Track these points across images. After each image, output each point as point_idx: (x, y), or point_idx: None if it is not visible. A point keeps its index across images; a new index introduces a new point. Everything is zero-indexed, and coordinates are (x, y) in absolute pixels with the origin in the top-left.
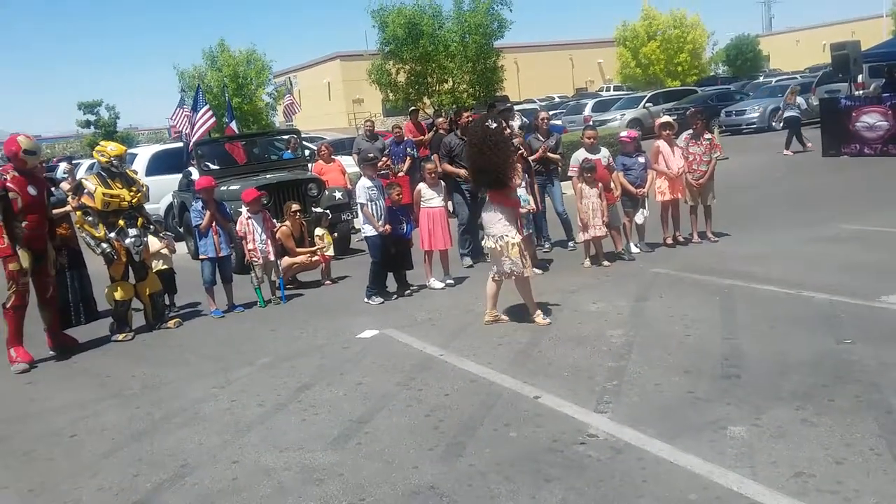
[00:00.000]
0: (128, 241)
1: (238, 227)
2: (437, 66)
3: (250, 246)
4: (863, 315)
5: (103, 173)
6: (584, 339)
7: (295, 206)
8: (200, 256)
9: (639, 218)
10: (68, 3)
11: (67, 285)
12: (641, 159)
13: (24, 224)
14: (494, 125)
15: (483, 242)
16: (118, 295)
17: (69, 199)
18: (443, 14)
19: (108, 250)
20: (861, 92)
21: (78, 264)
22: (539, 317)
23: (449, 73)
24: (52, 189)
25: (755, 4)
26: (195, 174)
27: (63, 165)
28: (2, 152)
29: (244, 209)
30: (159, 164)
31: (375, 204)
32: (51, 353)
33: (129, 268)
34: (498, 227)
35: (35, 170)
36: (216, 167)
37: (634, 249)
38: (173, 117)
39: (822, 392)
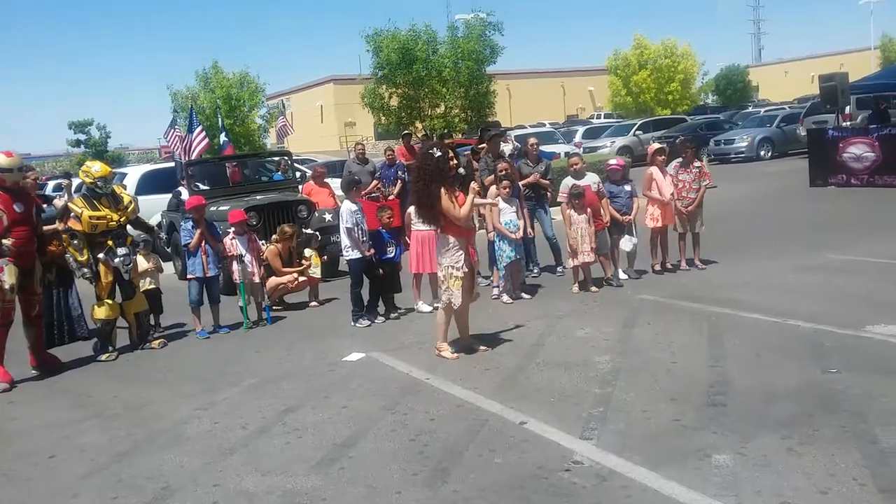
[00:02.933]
0: (116, 260)
1: (226, 248)
2: (430, 90)
3: (235, 266)
4: (848, 345)
5: (88, 194)
6: (571, 365)
7: (289, 230)
8: (188, 276)
9: (626, 245)
10: (61, 22)
11: (53, 303)
12: (628, 187)
13: (9, 242)
14: (439, 154)
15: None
16: (103, 314)
17: (57, 222)
18: (437, 40)
19: (89, 275)
20: (848, 123)
21: (66, 282)
22: (446, 351)
23: (441, 97)
24: (45, 206)
25: (745, 36)
26: (185, 194)
27: (52, 183)
28: None
29: (230, 230)
30: (149, 184)
31: (359, 228)
32: (33, 371)
33: (116, 286)
34: (446, 257)
35: (26, 187)
36: (206, 187)
37: (622, 276)
38: (167, 137)
39: (807, 421)
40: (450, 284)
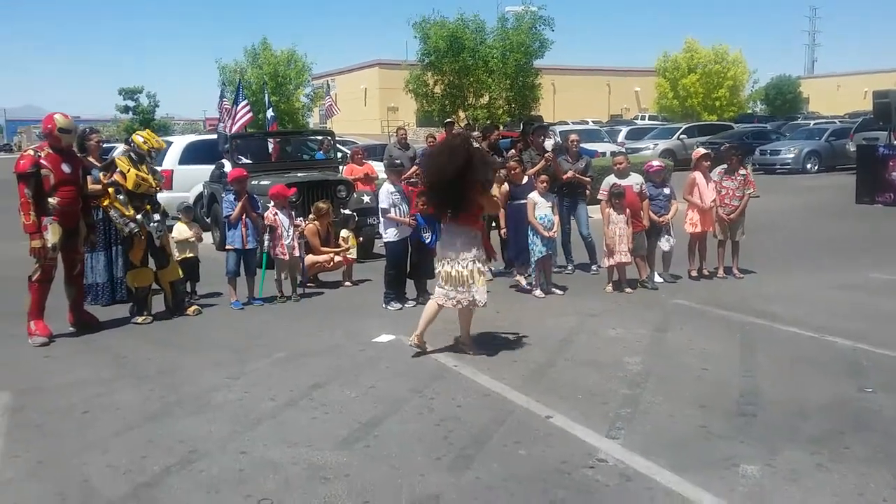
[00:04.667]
0: (152, 225)
1: (266, 220)
2: (476, 80)
3: (275, 240)
4: (886, 365)
5: (133, 157)
6: (601, 364)
7: (323, 206)
8: (227, 247)
9: (665, 245)
10: None
11: (112, 260)
12: (666, 190)
13: (55, 201)
14: (459, 140)
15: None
16: (138, 280)
17: (101, 175)
18: (485, 30)
19: (136, 229)
20: None
21: (123, 240)
22: (469, 348)
23: (487, 88)
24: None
25: (799, 47)
26: (227, 166)
27: (121, 149)
28: (41, 130)
29: (270, 204)
30: (193, 154)
31: (398, 209)
32: (70, 328)
33: (150, 254)
34: (462, 251)
35: (89, 148)
36: (249, 161)
37: (658, 279)
38: (219, 108)
39: (838, 439)
40: (476, 281)
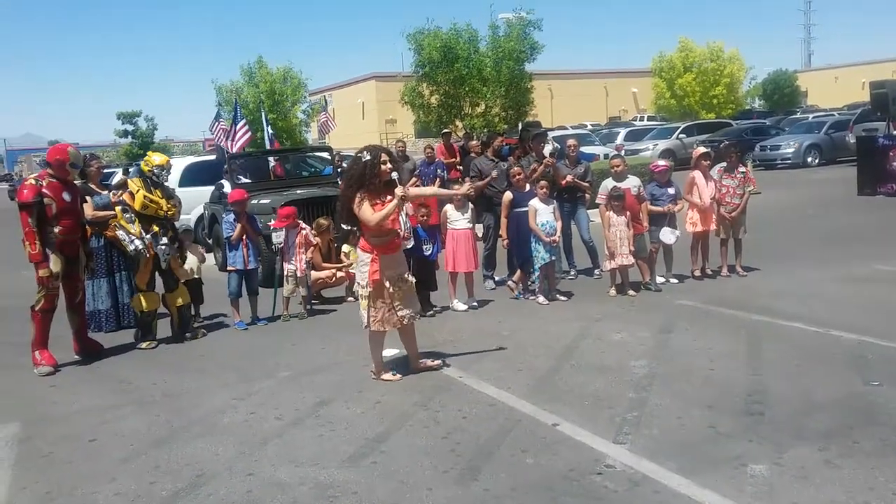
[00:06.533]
0: (160, 247)
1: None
2: (471, 89)
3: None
4: (893, 358)
5: (146, 180)
6: (606, 369)
7: (324, 222)
8: (228, 268)
9: (668, 237)
10: (112, 17)
11: (116, 286)
12: (671, 190)
13: (57, 230)
14: (367, 158)
15: None
16: (145, 305)
17: (111, 195)
18: (478, 38)
19: (141, 248)
20: None
21: (127, 266)
22: (387, 374)
23: (482, 96)
24: (102, 193)
25: (795, 41)
26: (227, 187)
27: (120, 175)
28: (42, 158)
29: (271, 223)
30: (192, 176)
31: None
32: (76, 357)
33: (156, 277)
34: (357, 272)
35: (89, 175)
36: (248, 180)
37: (660, 280)
38: (212, 130)
39: (846, 434)
40: (360, 304)
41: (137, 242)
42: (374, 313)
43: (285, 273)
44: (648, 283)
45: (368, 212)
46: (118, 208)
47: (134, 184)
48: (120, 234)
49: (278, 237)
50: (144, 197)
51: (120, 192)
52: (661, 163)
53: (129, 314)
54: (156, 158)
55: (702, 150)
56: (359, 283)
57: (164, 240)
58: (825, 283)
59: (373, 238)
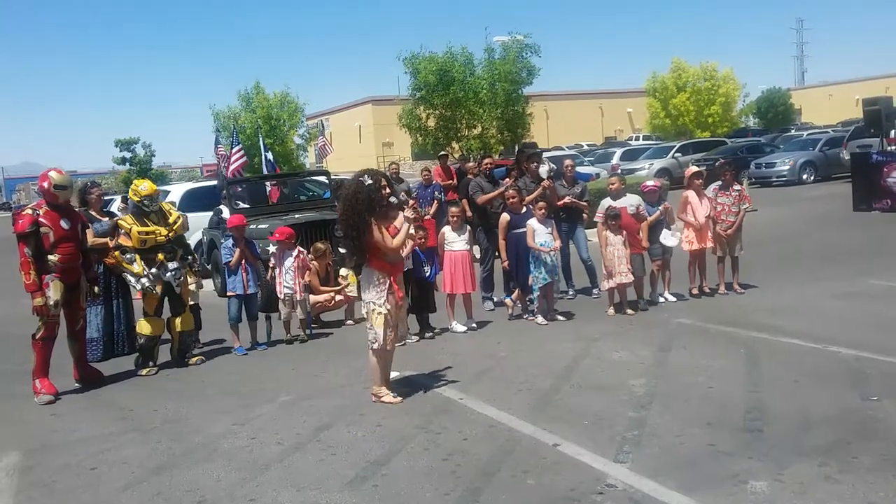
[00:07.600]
0: (168, 274)
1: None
2: (467, 111)
3: (279, 280)
4: (890, 372)
5: (137, 211)
6: (606, 388)
7: (322, 246)
8: (228, 293)
9: (669, 240)
10: (110, 45)
11: (113, 314)
12: (662, 208)
13: (56, 257)
14: (370, 182)
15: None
16: (148, 330)
17: (108, 240)
18: (473, 62)
19: (147, 285)
20: (893, 147)
21: (124, 293)
22: (387, 396)
23: (478, 118)
24: (104, 220)
25: (788, 59)
26: (225, 212)
27: (119, 202)
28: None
29: (271, 246)
30: (191, 202)
31: None
32: (76, 384)
33: (165, 302)
34: (369, 292)
35: (90, 202)
36: (246, 205)
37: (661, 300)
38: (215, 155)
39: (845, 449)
40: (373, 322)
41: (144, 281)
42: (390, 332)
43: (280, 297)
44: (649, 300)
45: (388, 237)
46: (117, 253)
47: (125, 223)
48: (128, 277)
49: (271, 250)
50: (139, 232)
51: (114, 237)
52: (650, 183)
53: (123, 343)
54: (142, 188)
55: (694, 169)
56: (373, 303)
57: (172, 265)
58: (822, 300)
59: (386, 257)
